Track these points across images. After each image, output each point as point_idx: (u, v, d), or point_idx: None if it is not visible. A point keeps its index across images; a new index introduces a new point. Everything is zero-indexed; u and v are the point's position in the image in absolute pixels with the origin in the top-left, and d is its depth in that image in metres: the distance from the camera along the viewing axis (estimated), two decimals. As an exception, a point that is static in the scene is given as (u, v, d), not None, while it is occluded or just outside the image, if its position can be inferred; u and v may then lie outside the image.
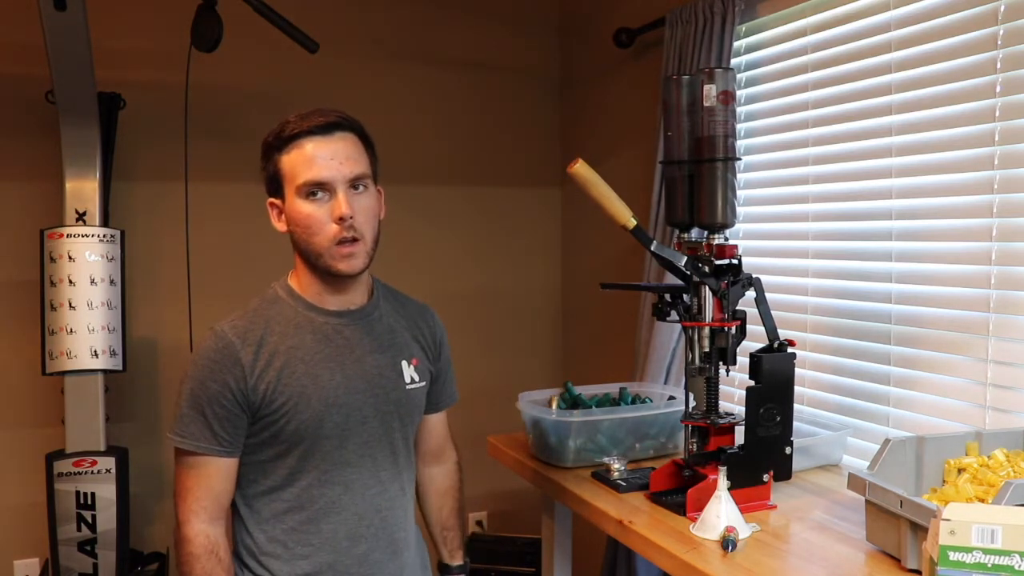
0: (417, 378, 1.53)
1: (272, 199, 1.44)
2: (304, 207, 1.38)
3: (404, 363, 1.52)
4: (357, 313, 1.48)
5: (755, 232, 2.30)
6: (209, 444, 1.38)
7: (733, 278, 1.62)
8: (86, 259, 2.41)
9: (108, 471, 2.41)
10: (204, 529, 1.39)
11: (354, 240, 1.38)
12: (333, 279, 1.43)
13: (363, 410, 1.45)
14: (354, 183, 1.39)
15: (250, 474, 1.44)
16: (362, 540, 1.45)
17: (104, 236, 2.44)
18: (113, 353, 2.44)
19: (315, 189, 1.37)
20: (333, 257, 1.39)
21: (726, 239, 1.64)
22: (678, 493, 1.63)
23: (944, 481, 1.46)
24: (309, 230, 1.38)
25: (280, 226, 1.44)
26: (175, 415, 1.41)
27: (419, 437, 1.63)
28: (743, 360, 1.63)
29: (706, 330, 1.64)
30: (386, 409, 1.48)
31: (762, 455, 1.60)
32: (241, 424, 1.40)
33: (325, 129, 1.38)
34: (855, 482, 1.37)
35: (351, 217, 1.37)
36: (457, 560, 1.71)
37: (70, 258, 2.40)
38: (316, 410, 1.40)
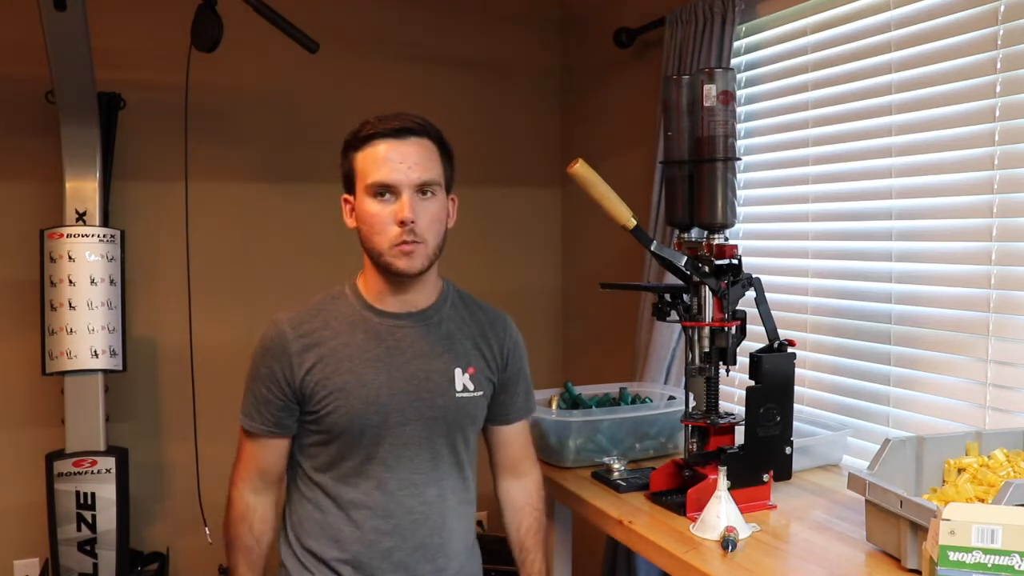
0: (471, 387, 1.52)
1: (346, 195, 1.48)
2: (371, 206, 1.41)
3: (458, 371, 1.51)
4: (416, 316, 1.50)
5: (755, 232, 2.30)
6: (256, 424, 1.48)
7: (733, 278, 1.62)
8: (86, 259, 2.41)
9: (108, 471, 2.41)
10: (246, 496, 1.51)
11: (415, 243, 1.41)
12: (394, 278, 1.46)
13: (404, 412, 1.46)
14: (422, 188, 1.41)
15: (299, 455, 1.52)
16: (387, 537, 1.46)
17: (104, 236, 2.44)
18: (113, 353, 2.43)
19: (383, 190, 1.40)
20: (392, 256, 1.41)
21: (726, 239, 1.64)
22: (678, 493, 1.64)
23: (944, 481, 1.46)
24: (373, 228, 1.42)
25: (350, 222, 1.48)
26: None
27: (493, 449, 1.66)
28: (743, 360, 1.63)
29: (706, 330, 1.64)
30: (430, 414, 1.48)
31: (762, 455, 1.60)
32: (288, 410, 1.47)
33: (399, 133, 1.42)
34: (855, 482, 1.37)
35: (412, 221, 1.39)
36: None
37: (70, 258, 2.40)
38: (355, 408, 1.43)
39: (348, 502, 1.47)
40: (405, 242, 1.40)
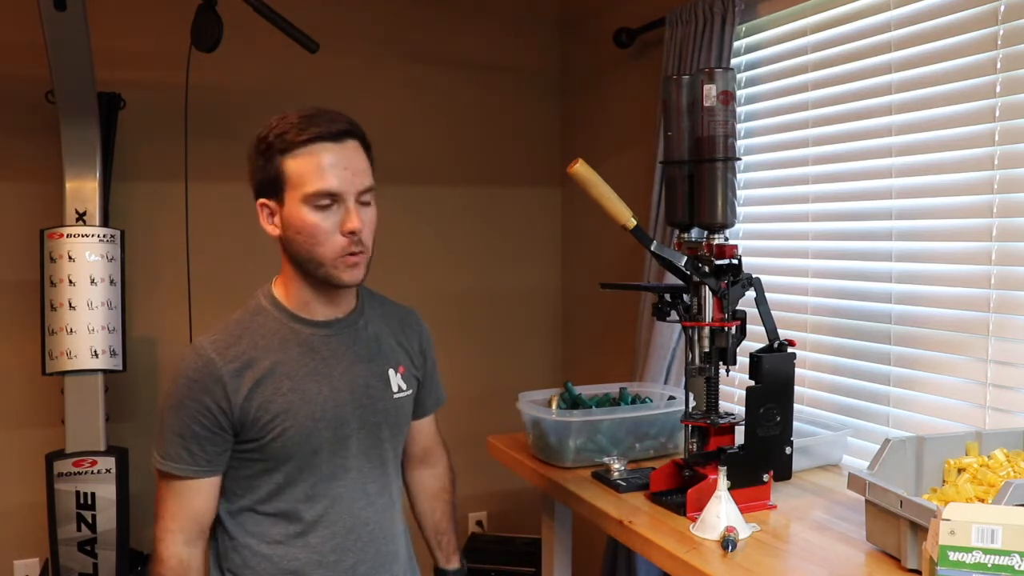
0: (404, 386, 1.50)
1: (265, 200, 1.36)
2: (311, 216, 1.32)
3: (391, 372, 1.48)
4: (343, 322, 1.44)
5: (755, 232, 2.30)
6: (187, 466, 1.35)
7: (733, 278, 1.62)
8: (86, 259, 2.41)
9: (108, 471, 2.41)
10: (178, 551, 1.36)
11: (360, 253, 1.35)
12: (327, 288, 1.39)
13: (351, 423, 1.41)
14: (362, 195, 1.34)
15: (236, 489, 1.41)
16: (349, 553, 1.42)
17: (104, 236, 2.44)
18: (113, 353, 2.44)
19: (327, 200, 1.31)
20: (337, 268, 1.34)
21: (726, 239, 1.64)
22: (678, 493, 1.63)
23: (944, 481, 1.46)
24: (314, 239, 1.33)
25: (272, 229, 1.37)
26: (157, 435, 1.37)
27: (406, 442, 1.60)
28: (743, 360, 1.63)
29: (706, 330, 1.63)
30: (374, 420, 1.45)
31: (762, 455, 1.60)
32: (223, 443, 1.36)
33: (337, 136, 1.32)
34: (855, 482, 1.37)
35: (360, 231, 1.33)
36: (453, 564, 1.67)
37: (70, 258, 2.40)
38: (303, 426, 1.36)
39: (305, 526, 1.39)
40: (353, 253, 1.33)
